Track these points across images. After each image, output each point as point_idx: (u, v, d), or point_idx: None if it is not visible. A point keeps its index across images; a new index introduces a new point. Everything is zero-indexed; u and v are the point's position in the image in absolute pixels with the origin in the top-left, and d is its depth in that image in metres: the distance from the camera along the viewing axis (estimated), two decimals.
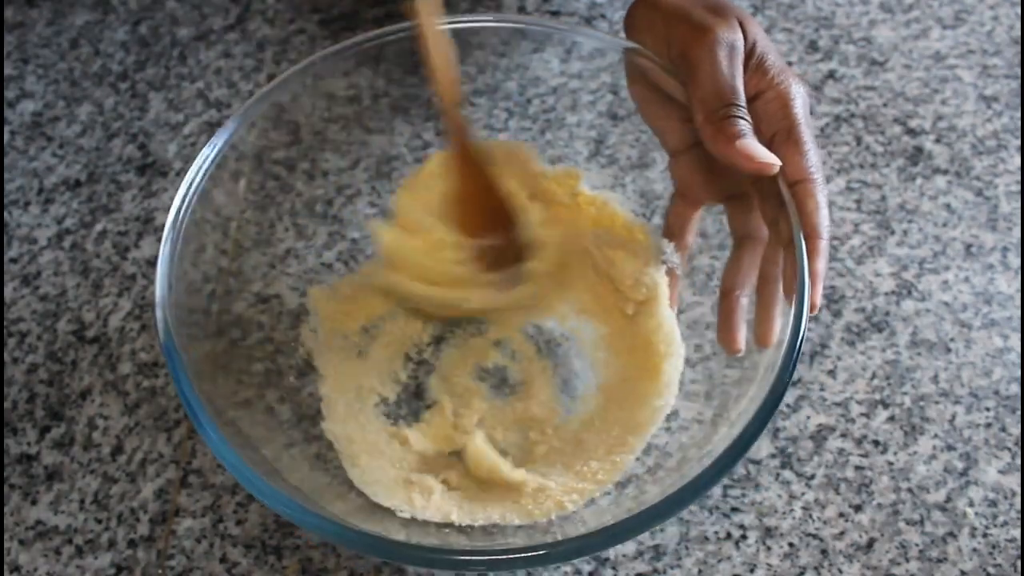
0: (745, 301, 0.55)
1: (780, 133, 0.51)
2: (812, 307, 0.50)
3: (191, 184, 0.54)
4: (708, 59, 0.51)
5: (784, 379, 0.48)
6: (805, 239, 0.50)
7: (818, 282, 0.50)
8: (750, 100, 0.52)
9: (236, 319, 0.55)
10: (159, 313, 0.49)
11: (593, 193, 0.63)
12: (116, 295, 0.65)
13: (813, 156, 0.51)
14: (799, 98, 0.52)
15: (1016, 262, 0.65)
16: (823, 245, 0.51)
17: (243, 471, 0.46)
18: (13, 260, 0.67)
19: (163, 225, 0.67)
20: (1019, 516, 0.56)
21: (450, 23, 0.58)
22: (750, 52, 0.52)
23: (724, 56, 0.51)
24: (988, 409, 0.60)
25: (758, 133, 0.51)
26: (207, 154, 0.54)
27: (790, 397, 0.60)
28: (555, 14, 0.78)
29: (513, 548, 0.48)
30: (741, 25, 0.52)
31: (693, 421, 0.56)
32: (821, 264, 0.50)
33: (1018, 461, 0.58)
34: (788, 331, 0.49)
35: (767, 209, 0.53)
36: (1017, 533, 0.56)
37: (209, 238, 0.53)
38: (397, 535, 0.50)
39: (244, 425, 0.49)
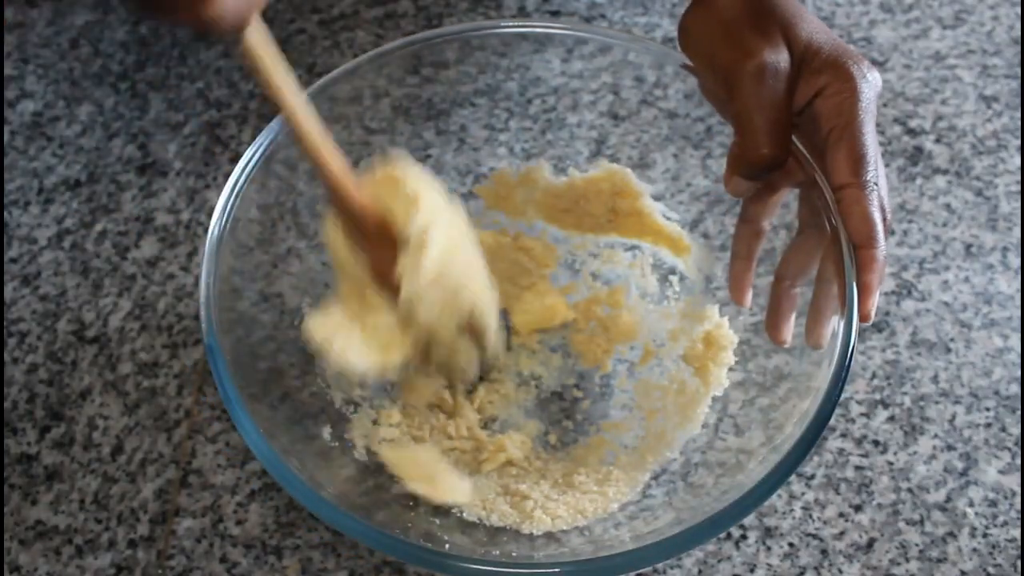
0: (796, 292, 0.53)
1: (835, 130, 0.49)
2: (863, 318, 0.48)
3: (237, 180, 0.54)
4: (752, 91, 0.48)
5: (828, 406, 0.47)
6: (853, 249, 0.48)
7: (868, 296, 0.48)
8: (812, 98, 0.49)
9: (239, 317, 0.55)
10: (203, 309, 0.50)
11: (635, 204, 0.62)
12: (116, 295, 0.65)
13: (867, 157, 0.48)
14: (863, 89, 0.49)
15: (1016, 262, 0.65)
16: (874, 256, 0.48)
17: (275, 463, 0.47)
18: (13, 260, 0.67)
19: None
20: (1019, 516, 0.56)
21: (458, 31, 0.58)
22: (803, 55, 0.49)
23: (768, 86, 0.48)
24: (988, 409, 0.60)
25: (817, 131, 0.49)
26: (252, 154, 0.55)
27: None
28: (555, 14, 0.78)
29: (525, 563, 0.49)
30: (786, 33, 0.50)
31: None
32: (871, 277, 0.48)
33: (1018, 461, 0.58)
34: (836, 352, 0.48)
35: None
36: (1017, 533, 0.56)
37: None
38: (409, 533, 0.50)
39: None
